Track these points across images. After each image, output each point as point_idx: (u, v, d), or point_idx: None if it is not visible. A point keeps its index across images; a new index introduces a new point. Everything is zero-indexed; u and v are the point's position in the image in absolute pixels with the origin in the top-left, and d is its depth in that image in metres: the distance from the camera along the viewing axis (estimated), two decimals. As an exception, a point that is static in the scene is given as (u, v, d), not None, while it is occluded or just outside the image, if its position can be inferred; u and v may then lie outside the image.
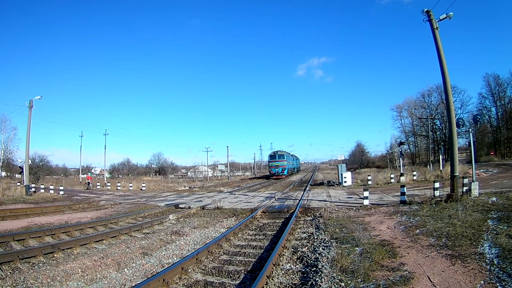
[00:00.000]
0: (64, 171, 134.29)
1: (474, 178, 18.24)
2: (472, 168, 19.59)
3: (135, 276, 8.39)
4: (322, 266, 7.89)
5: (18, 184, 42.78)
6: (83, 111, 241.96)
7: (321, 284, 6.66)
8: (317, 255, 9.02)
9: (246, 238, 12.46)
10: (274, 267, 8.24)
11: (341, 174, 35.93)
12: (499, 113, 75.29)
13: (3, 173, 74.18)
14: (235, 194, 31.25)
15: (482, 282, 6.32)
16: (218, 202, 22.53)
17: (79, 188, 51.62)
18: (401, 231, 11.50)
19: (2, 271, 8.69)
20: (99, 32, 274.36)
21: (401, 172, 37.81)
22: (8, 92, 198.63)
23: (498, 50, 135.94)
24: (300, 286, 6.92)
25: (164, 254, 10.32)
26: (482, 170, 38.70)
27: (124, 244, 11.62)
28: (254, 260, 9.41)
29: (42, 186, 40.25)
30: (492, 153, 71.42)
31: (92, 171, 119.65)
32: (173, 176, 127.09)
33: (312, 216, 16.13)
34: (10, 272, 8.63)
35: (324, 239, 10.90)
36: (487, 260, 7.49)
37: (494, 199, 15.85)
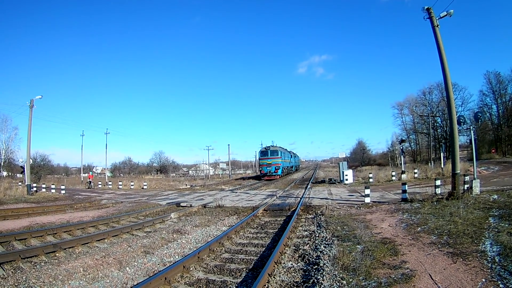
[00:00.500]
0: (66, 170, 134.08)
1: (475, 176, 18.22)
2: (473, 166, 19.56)
3: (137, 274, 8.39)
4: (324, 264, 7.90)
5: (20, 183, 42.65)
6: (84, 110, 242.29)
7: (322, 282, 6.66)
8: (319, 253, 9.01)
9: (248, 236, 12.46)
10: (275, 265, 8.24)
11: (342, 172, 35.92)
12: (500, 111, 75.29)
13: (5, 173, 74.16)
14: (236, 192, 31.27)
15: (483, 280, 6.32)
16: (220, 200, 22.56)
17: (80, 187, 51.69)
18: (403, 229, 11.50)
19: (4, 270, 8.70)
20: (100, 31, 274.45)
21: (402, 169, 37.75)
22: (9, 92, 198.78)
23: (499, 48, 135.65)
24: (302, 284, 6.91)
25: (165, 253, 10.31)
26: (483, 168, 38.63)
27: (126, 243, 11.58)
28: (255, 258, 9.41)
29: (44, 186, 40.18)
30: (493, 150, 71.40)
31: (94, 170, 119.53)
32: (174, 174, 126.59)
33: (314, 214, 16.13)
34: (12, 272, 8.63)
35: (326, 237, 10.91)
36: (488, 258, 7.48)
37: (496, 196, 15.83)
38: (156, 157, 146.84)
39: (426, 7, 17.99)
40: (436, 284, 6.29)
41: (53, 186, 38.33)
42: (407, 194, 18.15)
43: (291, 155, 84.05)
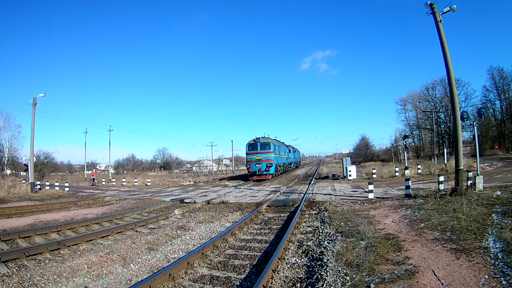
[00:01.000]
0: (69, 168, 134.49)
1: (478, 172, 18.20)
2: (477, 162, 19.55)
3: (141, 271, 8.44)
4: (328, 259, 7.91)
5: (23, 181, 42.85)
6: (88, 107, 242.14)
7: (326, 278, 6.68)
8: (322, 249, 9.02)
9: (252, 232, 12.48)
10: (279, 261, 8.27)
11: (346, 168, 35.88)
12: (503, 107, 74.65)
13: (8, 171, 74.30)
14: (240, 188, 31.31)
15: (486, 276, 6.32)
16: (223, 196, 22.64)
17: (84, 184, 51.94)
18: (406, 224, 11.50)
19: (8, 268, 8.78)
20: (103, 28, 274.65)
21: (406, 165, 37.70)
22: (12, 91, 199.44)
23: (502, 43, 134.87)
24: (306, 280, 6.92)
25: (170, 249, 10.35)
26: (486, 164, 38.47)
27: (130, 240, 11.63)
28: (259, 254, 9.44)
29: (47, 183, 40.31)
30: (496, 146, 70.99)
31: (97, 167, 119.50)
32: (178, 171, 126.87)
33: (317, 209, 16.11)
34: (16, 269, 8.71)
35: (329, 233, 10.91)
36: (491, 255, 7.48)
37: (499, 193, 15.81)
38: (160, 153, 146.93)
39: (429, 2, 17.88)
40: (439, 280, 6.31)
41: (56, 184, 38.47)
42: (410, 190, 18.10)
43: (290, 150, 68.51)
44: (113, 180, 53.16)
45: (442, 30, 17.57)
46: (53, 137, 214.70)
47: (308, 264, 8.05)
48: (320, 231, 11.43)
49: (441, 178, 18.76)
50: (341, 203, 17.48)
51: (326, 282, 6.47)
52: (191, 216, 16.37)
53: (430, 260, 7.49)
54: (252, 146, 44.69)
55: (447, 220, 11.31)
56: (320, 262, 7.84)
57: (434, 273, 6.69)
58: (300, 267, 7.90)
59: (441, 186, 18.25)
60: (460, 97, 70.17)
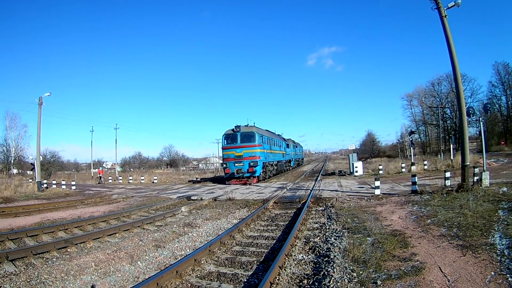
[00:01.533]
0: (76, 166, 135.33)
1: (485, 168, 18.16)
2: (483, 158, 19.51)
3: (148, 268, 8.47)
4: (334, 256, 7.91)
5: (30, 180, 43.17)
6: (94, 106, 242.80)
7: (333, 274, 6.68)
8: (329, 245, 9.03)
9: (259, 229, 12.49)
10: (286, 258, 8.28)
11: (352, 164, 36.03)
12: (509, 102, 74.40)
13: (15, 171, 74.70)
14: (246, 185, 31.29)
15: (492, 273, 6.31)
16: (230, 193, 22.65)
17: (91, 183, 51.90)
18: (413, 221, 11.48)
19: (16, 267, 8.82)
20: (108, 27, 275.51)
21: (412, 161, 37.58)
22: (17, 90, 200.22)
23: (508, 38, 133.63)
24: (312, 276, 6.93)
25: (177, 246, 10.37)
26: (492, 160, 38.36)
27: (137, 237, 11.65)
28: (266, 251, 9.46)
29: (54, 182, 40.49)
30: (502, 142, 70.73)
31: (104, 165, 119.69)
32: (184, 168, 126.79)
33: (324, 206, 16.13)
34: (24, 268, 8.75)
35: (336, 229, 10.91)
36: (497, 251, 7.46)
37: (505, 189, 15.74)
38: (166, 151, 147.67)
39: (434, -3, 17.64)
40: (446, 277, 6.30)
41: (63, 182, 38.47)
42: (417, 186, 18.05)
43: (288, 144, 55.69)
44: (120, 178, 53.11)
45: (447, 25, 17.44)
46: (59, 136, 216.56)
47: (315, 260, 8.06)
48: (327, 227, 11.44)
49: (448, 174, 18.71)
50: (348, 199, 17.48)
51: (333, 278, 6.48)
52: (198, 213, 16.38)
53: (436, 257, 7.47)
54: (229, 138, 33.62)
55: (453, 216, 11.27)
56: (327, 259, 7.85)
57: (440, 269, 6.69)
58: (307, 264, 7.91)
59: (448, 182, 18.19)
60: (466, 92, 70.25)
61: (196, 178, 47.94)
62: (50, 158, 65.11)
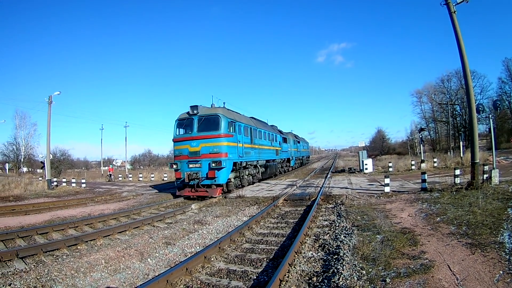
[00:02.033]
0: (85, 164, 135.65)
1: (494, 165, 17.94)
2: (493, 155, 19.29)
3: (158, 265, 8.52)
4: (344, 253, 7.91)
5: (40, 178, 43.49)
6: (103, 104, 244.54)
7: (342, 272, 6.69)
8: (339, 242, 9.01)
9: (268, 226, 12.49)
10: (296, 255, 8.28)
11: (362, 161, 35.68)
12: (519, 99, 73.69)
13: (25, 169, 75.13)
14: (256, 182, 31.17)
15: (501, 272, 6.27)
16: (240, 190, 22.73)
17: (101, 181, 52.21)
18: (422, 218, 11.42)
19: (26, 264, 8.89)
20: (118, 25, 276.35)
21: (422, 158, 37.31)
22: (27, 89, 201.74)
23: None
24: (322, 273, 6.94)
25: (187, 244, 10.40)
26: (502, 157, 37.95)
27: (147, 235, 11.75)
28: (276, 248, 9.47)
29: (64, 180, 40.61)
30: (512, 139, 70.08)
31: (114, 163, 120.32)
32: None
33: (334, 203, 16.07)
34: (34, 265, 8.82)
35: (346, 227, 10.89)
36: (506, 250, 7.40)
37: (515, 187, 15.58)
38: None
39: (442, -8, 17.24)
40: (455, 275, 6.27)
41: (73, 180, 38.60)
42: (426, 183, 17.92)
43: (286, 139, 42.00)
44: (130, 175, 53.31)
45: (456, 21, 17.25)
46: (69, 134, 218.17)
47: (325, 258, 8.04)
48: (337, 225, 11.41)
49: (457, 172, 18.55)
50: (358, 196, 17.40)
51: (342, 275, 6.49)
52: (208, 211, 16.43)
53: (445, 255, 7.44)
54: (183, 125, 22.23)
55: (462, 214, 11.20)
56: (336, 256, 7.85)
57: (449, 267, 6.66)
58: (316, 261, 7.90)
59: (457, 180, 18.04)
60: (475, 89, 69.23)
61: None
62: (60, 156, 65.35)
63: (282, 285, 6.58)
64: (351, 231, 10.25)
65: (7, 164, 74.85)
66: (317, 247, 9.07)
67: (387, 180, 18.40)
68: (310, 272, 7.19)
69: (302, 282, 6.72)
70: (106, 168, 68.20)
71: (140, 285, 6.90)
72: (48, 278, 7.61)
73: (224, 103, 24.64)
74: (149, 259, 8.90)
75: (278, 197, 18.57)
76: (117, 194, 27.57)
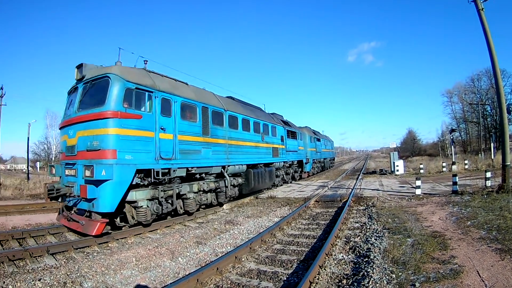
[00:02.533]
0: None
1: (526, 168, 17.50)
2: (525, 158, 18.81)
3: (189, 264, 8.56)
4: (374, 256, 7.85)
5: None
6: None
7: (372, 275, 6.66)
8: (369, 245, 8.95)
9: (299, 228, 12.45)
10: (326, 257, 8.26)
11: (393, 163, 35.13)
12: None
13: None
14: (288, 183, 30.82)
15: (531, 279, 6.13)
16: (271, 191, 22.74)
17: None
18: (453, 222, 11.19)
19: (56, 260, 9.01)
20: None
21: (453, 160, 36.44)
22: (56, 89, 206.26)
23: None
24: (352, 276, 6.90)
25: (218, 243, 10.44)
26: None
27: (178, 234, 11.76)
28: (307, 249, 9.43)
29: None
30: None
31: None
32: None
33: (365, 205, 15.93)
34: (64, 262, 8.92)
35: (377, 229, 10.79)
36: (537, 256, 7.20)
37: (547, 191, 15.11)
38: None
39: (469, -11, 16.46)
40: (483, 281, 6.15)
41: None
42: (457, 186, 17.49)
43: (292, 133, 30.17)
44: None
45: (485, 18, 16.81)
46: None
47: (355, 260, 8.01)
48: (368, 227, 11.33)
49: (488, 174, 18.07)
50: (389, 198, 17.19)
51: (372, 279, 6.45)
52: (239, 211, 16.48)
53: (475, 260, 7.29)
54: (70, 102, 12.63)
55: (493, 218, 10.91)
56: (366, 259, 7.80)
57: (478, 273, 6.52)
58: (346, 264, 7.86)
59: (488, 183, 17.57)
60: (506, 88, 66.75)
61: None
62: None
63: (312, 287, 6.56)
64: (381, 233, 10.15)
65: (38, 162, 76.83)
66: (348, 250, 9.01)
67: (418, 182, 18.10)
68: (340, 274, 7.16)
69: (332, 285, 6.70)
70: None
71: (170, 283, 6.97)
72: (78, 274, 7.75)
73: (145, 62, 13.73)
74: (180, 258, 8.98)
75: (310, 198, 18.47)
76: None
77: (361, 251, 8.59)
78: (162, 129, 12.20)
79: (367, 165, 64.59)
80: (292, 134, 29.26)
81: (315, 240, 10.43)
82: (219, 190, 16.54)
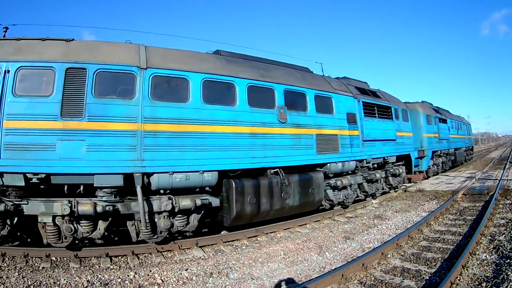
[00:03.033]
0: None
1: None
2: None
3: (335, 259, 8.70)
4: (517, 258, 7.50)
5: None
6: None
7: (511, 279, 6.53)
8: (513, 245, 8.52)
9: (446, 223, 12.16)
10: (470, 257, 8.14)
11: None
12: None
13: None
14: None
15: None
16: (419, 184, 22.02)
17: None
18: None
19: (204, 252, 9.34)
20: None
21: None
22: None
23: None
24: (492, 279, 6.82)
25: (365, 239, 10.48)
26: None
27: (327, 228, 11.83)
28: (452, 247, 9.25)
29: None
30: None
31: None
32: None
33: (512, 199, 14.74)
34: (212, 254, 9.30)
35: (524, 227, 10.05)
36: None
37: None
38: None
39: None
40: None
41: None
42: None
43: (367, 110, 15.72)
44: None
45: None
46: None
47: (497, 261, 7.78)
48: (513, 224, 10.64)
49: None
50: (540, 191, 15.47)
51: (511, 284, 6.37)
52: (388, 205, 16.21)
53: None
54: None
55: None
56: (509, 261, 7.59)
57: None
58: (489, 265, 7.67)
59: None
60: None
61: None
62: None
63: (452, 288, 6.55)
64: (528, 232, 9.50)
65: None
66: (491, 249, 8.74)
67: None
68: (481, 276, 7.06)
69: (472, 287, 6.71)
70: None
71: (315, 277, 7.21)
72: (225, 266, 8.21)
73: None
74: (327, 253, 9.16)
75: (457, 191, 17.70)
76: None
77: (504, 252, 8.29)
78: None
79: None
80: (382, 111, 17.05)
81: (461, 237, 10.14)
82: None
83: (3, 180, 7.90)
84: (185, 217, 9.43)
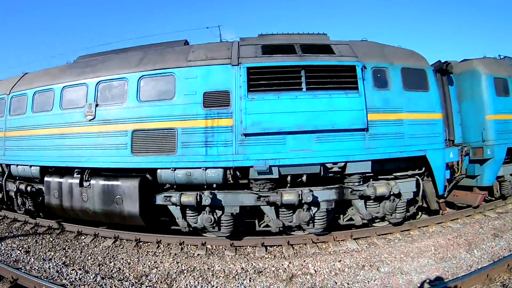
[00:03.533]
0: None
1: None
2: None
3: (482, 258, 7.92)
4: None
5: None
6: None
7: None
8: None
9: None
10: None
11: None
12: None
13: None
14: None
15: None
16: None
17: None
18: None
19: (358, 245, 9.13)
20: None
21: None
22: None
23: None
24: None
25: (514, 237, 9.19)
26: None
27: (478, 224, 10.56)
28: None
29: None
30: None
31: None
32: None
33: None
34: (366, 246, 9.04)
35: None
36: None
37: None
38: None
39: None
40: None
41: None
42: None
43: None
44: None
45: None
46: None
47: None
48: None
49: None
50: None
51: None
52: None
53: None
54: None
55: None
56: None
57: None
58: None
59: None
60: None
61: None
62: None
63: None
64: None
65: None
66: None
67: None
68: None
69: None
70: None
71: (461, 276, 6.82)
72: (377, 259, 8.03)
73: None
74: (475, 251, 8.35)
75: None
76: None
77: None
78: None
79: None
80: (321, 78, 8.88)
81: None
82: None
83: None
84: None
